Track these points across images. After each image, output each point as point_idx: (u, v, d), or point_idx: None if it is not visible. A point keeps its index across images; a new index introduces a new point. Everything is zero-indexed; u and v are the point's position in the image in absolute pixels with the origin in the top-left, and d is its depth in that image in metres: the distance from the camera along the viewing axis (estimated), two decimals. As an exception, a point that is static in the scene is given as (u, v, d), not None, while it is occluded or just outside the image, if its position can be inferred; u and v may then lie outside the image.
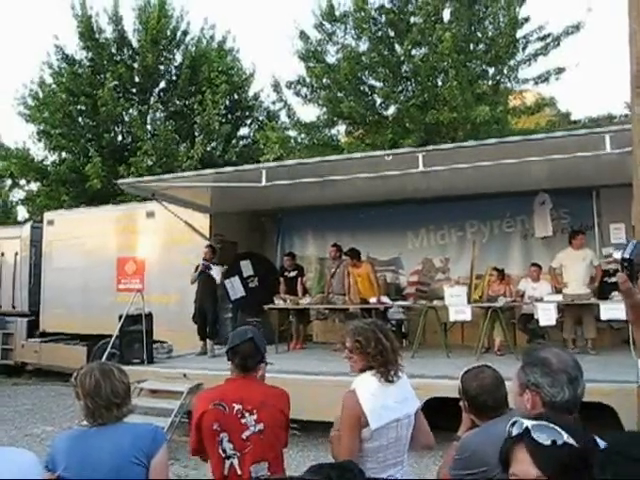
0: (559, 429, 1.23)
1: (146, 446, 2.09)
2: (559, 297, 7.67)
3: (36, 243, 12.29)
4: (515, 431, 1.30)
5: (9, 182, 20.54)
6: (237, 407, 2.49)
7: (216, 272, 8.68)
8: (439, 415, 5.43)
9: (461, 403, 2.29)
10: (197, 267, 8.75)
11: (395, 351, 2.51)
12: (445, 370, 6.66)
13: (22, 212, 22.68)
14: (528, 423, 1.27)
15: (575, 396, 1.68)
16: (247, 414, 2.49)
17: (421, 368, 6.49)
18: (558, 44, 12.01)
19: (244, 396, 2.52)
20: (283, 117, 15.40)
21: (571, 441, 1.21)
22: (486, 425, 2.10)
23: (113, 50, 15.90)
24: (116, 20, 15.77)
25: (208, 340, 8.64)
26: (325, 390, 6.29)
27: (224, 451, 2.47)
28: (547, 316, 7.27)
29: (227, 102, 16.02)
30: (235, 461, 2.46)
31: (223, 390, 2.61)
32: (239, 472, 2.46)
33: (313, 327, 10.29)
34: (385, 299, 8.54)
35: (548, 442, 1.22)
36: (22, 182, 17.57)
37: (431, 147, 6.80)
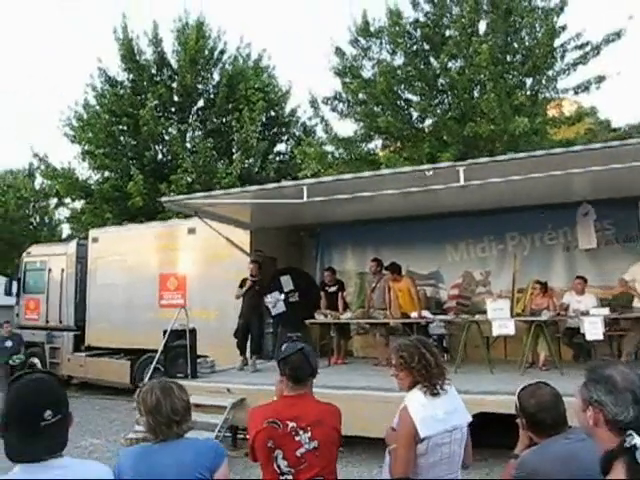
0: None
1: (209, 461, 2.15)
2: (605, 310, 7.49)
3: (82, 260, 12.64)
4: (627, 444, 1.31)
5: (55, 201, 21.23)
6: (291, 425, 2.52)
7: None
8: (484, 432, 5.37)
9: (518, 420, 2.28)
10: (242, 282, 8.82)
11: (439, 365, 2.58)
12: (490, 386, 6.60)
13: (66, 230, 23.43)
14: (638, 441, 1.26)
15: (639, 416, 1.66)
16: (301, 432, 2.52)
17: (465, 383, 6.39)
18: (598, 52, 11.87)
19: (298, 414, 2.55)
20: (319, 132, 15.58)
21: None
22: (545, 443, 2.09)
23: (153, 71, 16.41)
24: (156, 42, 16.28)
25: (251, 355, 8.68)
26: (368, 405, 6.28)
27: (279, 467, 2.50)
28: (594, 330, 7.10)
29: (264, 119, 16.28)
30: (290, 478, 2.49)
31: (277, 407, 2.65)
32: (294, 488, 2.49)
33: (354, 342, 10.27)
34: (426, 313, 8.48)
35: None
36: (67, 200, 18.17)
37: (471, 161, 6.77)
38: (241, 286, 8.80)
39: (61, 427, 1.72)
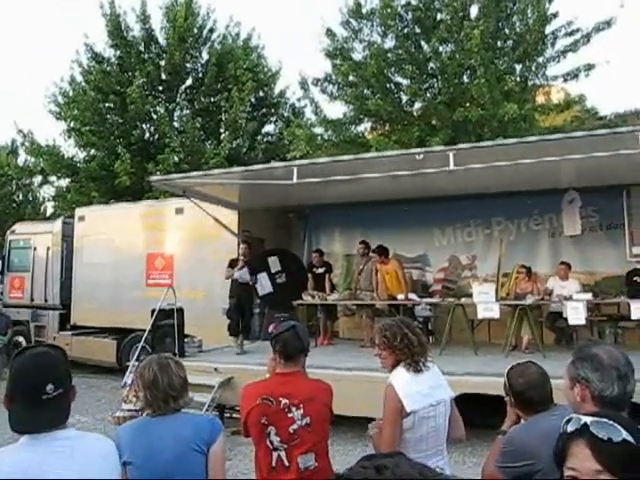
0: (618, 426, 1.24)
1: (206, 434, 2.21)
2: (588, 296, 7.64)
3: (67, 238, 12.54)
4: (571, 427, 1.30)
5: (39, 178, 20.98)
6: (284, 401, 2.58)
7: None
8: (469, 412, 5.48)
9: (506, 398, 2.35)
10: (231, 262, 8.79)
11: (422, 344, 2.67)
12: (474, 367, 6.72)
13: (50, 208, 23.19)
14: (587, 419, 1.28)
15: (625, 393, 1.72)
16: (294, 408, 2.58)
17: (450, 365, 6.48)
18: (588, 40, 11.91)
19: (291, 391, 2.61)
20: (308, 114, 15.50)
21: (630, 439, 1.22)
22: (532, 419, 2.16)
23: (141, 48, 16.13)
24: (144, 19, 16.01)
25: (240, 336, 8.68)
26: (354, 385, 6.38)
27: (271, 443, 2.56)
28: (576, 315, 7.24)
29: (253, 99, 16.18)
30: (282, 453, 2.55)
31: (270, 384, 2.71)
32: (287, 463, 2.55)
33: (340, 323, 10.36)
34: (412, 296, 8.58)
35: (606, 438, 1.23)
36: (52, 178, 17.95)
37: (462, 145, 6.82)
38: (230, 266, 8.77)
39: (63, 401, 1.75)
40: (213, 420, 2.37)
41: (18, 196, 23.99)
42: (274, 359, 2.76)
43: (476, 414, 5.58)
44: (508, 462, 2.06)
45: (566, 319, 7.45)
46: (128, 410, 6.58)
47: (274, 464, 2.55)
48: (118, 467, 1.89)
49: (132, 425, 2.31)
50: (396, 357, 2.61)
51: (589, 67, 12.04)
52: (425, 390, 2.56)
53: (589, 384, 1.72)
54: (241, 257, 8.74)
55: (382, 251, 8.86)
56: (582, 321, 7.31)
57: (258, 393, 2.63)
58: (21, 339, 12.77)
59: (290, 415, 2.56)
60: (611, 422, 1.25)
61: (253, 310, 9.19)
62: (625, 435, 1.22)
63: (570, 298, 7.60)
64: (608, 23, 11.69)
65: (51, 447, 1.68)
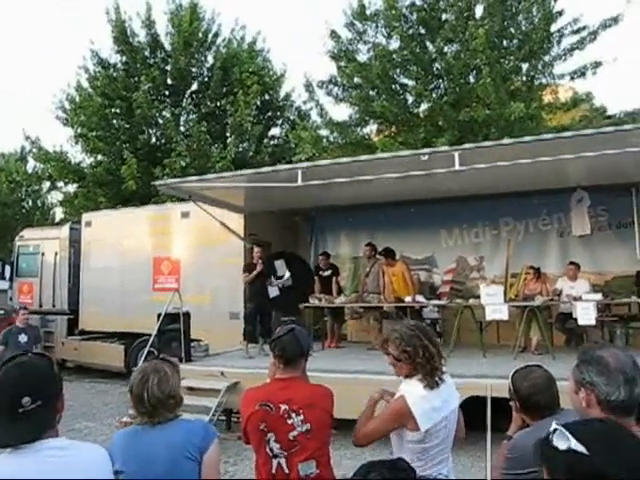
0: (569, 435, 1.18)
1: (199, 441, 2.15)
2: (598, 296, 7.54)
3: (75, 244, 12.59)
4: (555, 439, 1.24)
5: (47, 184, 21.09)
6: (284, 407, 2.51)
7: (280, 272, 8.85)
8: (478, 414, 5.42)
9: (511, 403, 2.29)
10: (246, 267, 8.73)
11: (440, 355, 2.52)
12: (482, 369, 6.64)
13: (59, 214, 23.31)
14: (556, 427, 1.23)
15: (631, 397, 1.66)
16: (294, 414, 2.51)
17: (458, 367, 6.42)
18: (595, 38, 11.81)
19: (291, 396, 2.55)
20: (314, 116, 15.50)
21: (580, 448, 1.15)
22: (538, 425, 2.10)
23: (146, 53, 16.22)
24: (149, 24, 16.08)
25: (264, 339, 8.49)
26: (362, 389, 6.27)
27: (271, 450, 2.50)
28: (586, 315, 7.15)
29: (258, 103, 16.18)
30: (282, 460, 2.49)
31: (269, 390, 2.64)
32: (286, 471, 2.48)
33: (347, 326, 10.30)
34: (420, 298, 8.51)
35: (554, 446, 1.19)
36: (60, 184, 18.06)
37: (467, 145, 6.75)
38: (248, 270, 8.69)
39: (43, 413, 1.70)
40: (207, 426, 2.31)
41: (27, 202, 24.12)
42: (274, 363, 2.71)
43: (484, 417, 5.53)
44: (513, 469, 2.01)
45: (576, 320, 7.35)
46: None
47: (274, 471, 2.49)
48: (110, 476, 1.85)
49: (126, 432, 2.27)
50: (413, 369, 2.46)
51: (596, 65, 11.94)
52: (438, 404, 2.42)
53: (594, 388, 1.67)
54: (258, 261, 8.66)
55: (388, 253, 8.81)
56: (592, 321, 7.22)
57: (257, 399, 2.57)
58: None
59: (290, 421, 2.50)
60: (565, 430, 1.20)
61: (272, 314, 9.12)
62: (574, 445, 1.16)
63: (580, 299, 7.51)
64: (615, 19, 11.59)
65: (37, 458, 1.64)
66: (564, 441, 1.18)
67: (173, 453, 2.11)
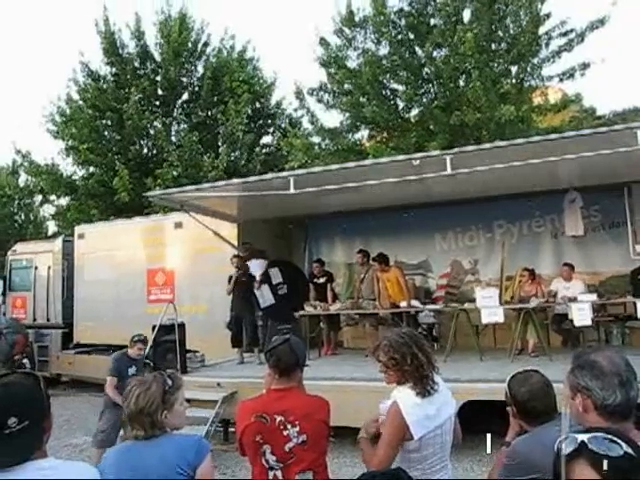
0: (616, 439, 1.19)
1: (191, 457, 2.12)
2: (593, 296, 7.54)
3: (68, 257, 12.53)
4: (569, 447, 1.24)
5: (39, 198, 20.99)
6: (279, 419, 2.49)
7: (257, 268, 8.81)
8: (476, 418, 5.39)
9: (508, 408, 2.26)
10: (230, 278, 8.82)
11: (431, 363, 2.48)
12: (480, 374, 6.62)
13: (52, 227, 23.23)
14: (583, 437, 1.23)
15: (628, 399, 1.64)
16: (289, 426, 2.48)
17: (455, 372, 6.43)
18: (582, 39, 11.86)
19: (286, 407, 2.52)
20: (305, 124, 15.49)
21: (630, 451, 1.18)
22: (536, 431, 2.08)
23: (136, 64, 16.19)
24: (138, 35, 16.07)
25: (252, 349, 8.75)
26: (359, 395, 6.27)
27: (267, 462, 2.48)
28: (582, 316, 7.14)
29: (249, 111, 16.15)
30: (278, 472, 2.46)
31: (265, 401, 2.62)
32: (283, 482, 2.46)
33: (343, 333, 10.28)
34: (415, 303, 8.49)
35: (607, 453, 1.18)
36: (52, 197, 17.98)
37: (458, 149, 6.75)
38: (230, 282, 8.81)
39: (30, 434, 1.66)
40: (199, 441, 2.27)
41: (20, 216, 24.01)
42: (270, 374, 2.68)
43: (484, 421, 5.50)
44: (512, 475, 1.98)
45: (572, 321, 7.35)
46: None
47: (270, 483, 2.47)
48: None
49: (118, 448, 2.25)
50: (403, 376, 2.44)
51: (584, 66, 11.98)
52: (433, 412, 2.38)
53: (590, 393, 1.64)
54: (236, 271, 8.77)
55: (382, 259, 8.78)
56: (588, 322, 7.21)
57: (253, 410, 2.55)
58: (25, 361, 12.69)
59: (286, 433, 2.47)
60: (609, 436, 1.21)
61: (256, 322, 9.12)
62: (625, 447, 1.18)
63: (575, 299, 7.51)
64: (602, 21, 11.65)
65: (26, 478, 1.61)
66: (616, 448, 1.19)
67: (165, 469, 2.08)
